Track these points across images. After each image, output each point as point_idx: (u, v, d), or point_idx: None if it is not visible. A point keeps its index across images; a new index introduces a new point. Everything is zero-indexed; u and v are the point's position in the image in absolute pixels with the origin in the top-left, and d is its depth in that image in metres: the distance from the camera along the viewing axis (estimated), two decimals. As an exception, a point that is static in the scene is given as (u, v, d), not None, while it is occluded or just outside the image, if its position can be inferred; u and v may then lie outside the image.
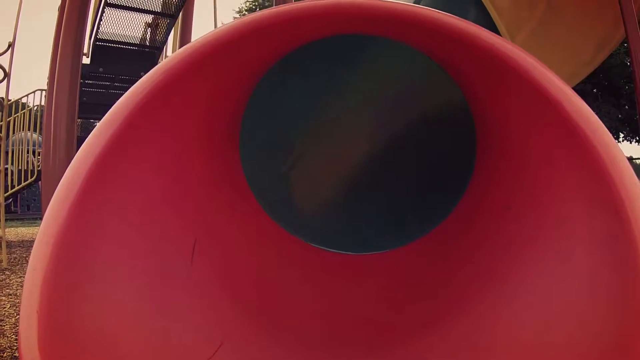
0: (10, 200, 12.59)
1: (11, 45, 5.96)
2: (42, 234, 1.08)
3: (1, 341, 3.21)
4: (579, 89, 1.27)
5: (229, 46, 1.41)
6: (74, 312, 1.08)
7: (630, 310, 1.03)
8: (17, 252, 7.24)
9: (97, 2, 6.37)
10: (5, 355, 2.91)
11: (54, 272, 1.04)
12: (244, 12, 28.50)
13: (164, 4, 6.57)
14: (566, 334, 1.17)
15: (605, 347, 1.07)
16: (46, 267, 1.04)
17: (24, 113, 9.62)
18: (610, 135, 1.16)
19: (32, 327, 0.97)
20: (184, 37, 7.04)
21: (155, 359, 1.20)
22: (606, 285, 1.11)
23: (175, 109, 1.44)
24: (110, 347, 1.12)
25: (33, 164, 9.73)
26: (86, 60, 7.36)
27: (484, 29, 1.29)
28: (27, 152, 9.72)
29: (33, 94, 9.87)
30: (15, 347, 2.90)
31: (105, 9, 6.32)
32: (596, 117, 1.17)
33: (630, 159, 19.95)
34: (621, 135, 18.18)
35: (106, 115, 1.24)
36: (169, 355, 1.24)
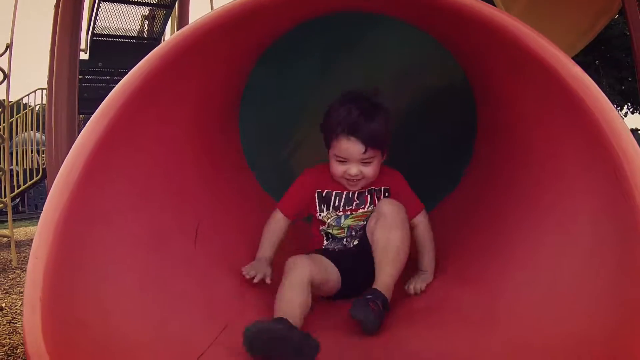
0: (18, 200, 12.59)
1: (9, 47, 5.93)
2: (42, 223, 1.09)
3: (15, 338, 3.22)
4: (580, 61, 1.25)
5: (223, 29, 1.40)
6: (77, 296, 1.10)
7: (631, 276, 1.02)
8: (27, 251, 7.25)
9: (93, -2, 6.33)
10: (18, 351, 2.93)
11: (55, 259, 1.05)
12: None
13: (159, -4, 6.52)
14: (567, 305, 1.16)
15: (606, 314, 1.06)
16: (48, 255, 1.05)
17: (26, 113, 9.60)
18: (609, 101, 1.14)
19: (36, 314, 0.98)
20: (182, 27, 6.98)
21: (159, 341, 1.20)
22: (608, 254, 1.10)
23: (171, 94, 1.43)
24: (114, 329, 1.13)
25: (38, 163, 9.73)
26: (85, 56, 7.32)
27: (479, 0, 1.28)
28: (32, 152, 9.70)
29: (34, 93, 9.82)
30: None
31: (101, 4, 6.28)
32: (594, 83, 1.15)
33: (635, 130, 19.80)
34: (625, 107, 17.99)
35: (102, 103, 1.25)
36: (173, 337, 1.25)
